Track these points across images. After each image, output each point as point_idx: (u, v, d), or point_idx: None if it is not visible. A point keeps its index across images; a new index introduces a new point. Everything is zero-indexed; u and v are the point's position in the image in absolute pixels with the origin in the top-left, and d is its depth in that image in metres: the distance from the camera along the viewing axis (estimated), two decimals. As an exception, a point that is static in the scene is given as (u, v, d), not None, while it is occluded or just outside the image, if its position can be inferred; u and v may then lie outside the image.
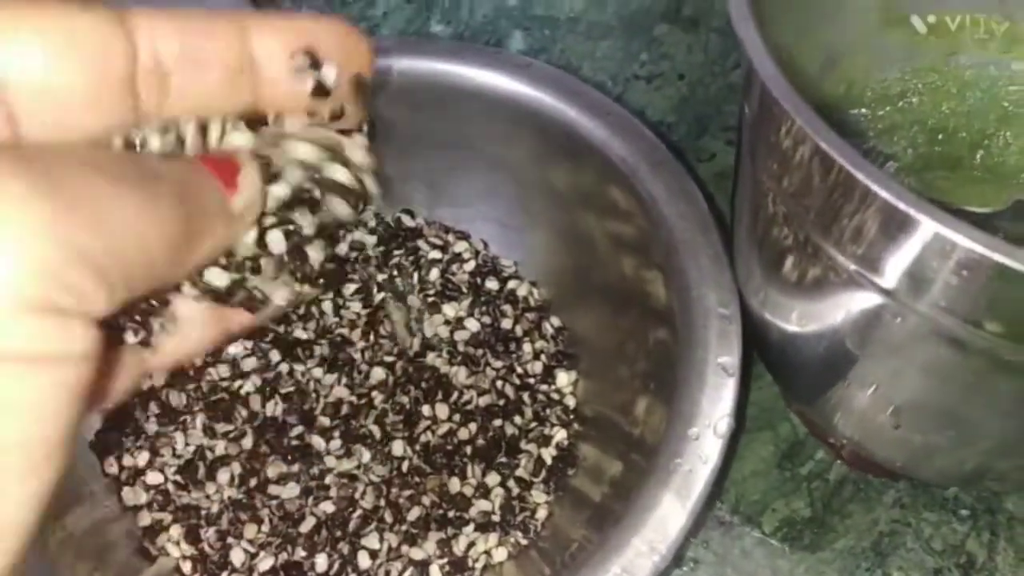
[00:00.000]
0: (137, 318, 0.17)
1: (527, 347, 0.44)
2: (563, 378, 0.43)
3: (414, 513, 0.40)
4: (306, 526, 0.39)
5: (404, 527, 0.40)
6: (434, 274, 0.45)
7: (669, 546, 0.32)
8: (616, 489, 0.37)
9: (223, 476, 0.40)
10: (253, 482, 0.40)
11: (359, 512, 0.40)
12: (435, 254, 0.46)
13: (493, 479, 0.41)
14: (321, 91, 0.18)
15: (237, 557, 0.39)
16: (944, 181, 0.37)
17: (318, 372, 0.43)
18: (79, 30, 0.15)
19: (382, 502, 0.40)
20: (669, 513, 0.32)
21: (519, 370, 0.43)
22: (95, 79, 0.15)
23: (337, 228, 0.19)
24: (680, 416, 0.34)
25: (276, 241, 0.18)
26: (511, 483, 0.41)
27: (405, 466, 0.41)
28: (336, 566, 0.39)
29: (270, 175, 0.17)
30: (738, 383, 0.34)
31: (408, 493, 0.40)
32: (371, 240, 0.46)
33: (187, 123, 0.17)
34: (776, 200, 0.31)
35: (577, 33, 0.56)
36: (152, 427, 0.42)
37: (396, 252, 0.46)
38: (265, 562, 0.39)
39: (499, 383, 0.43)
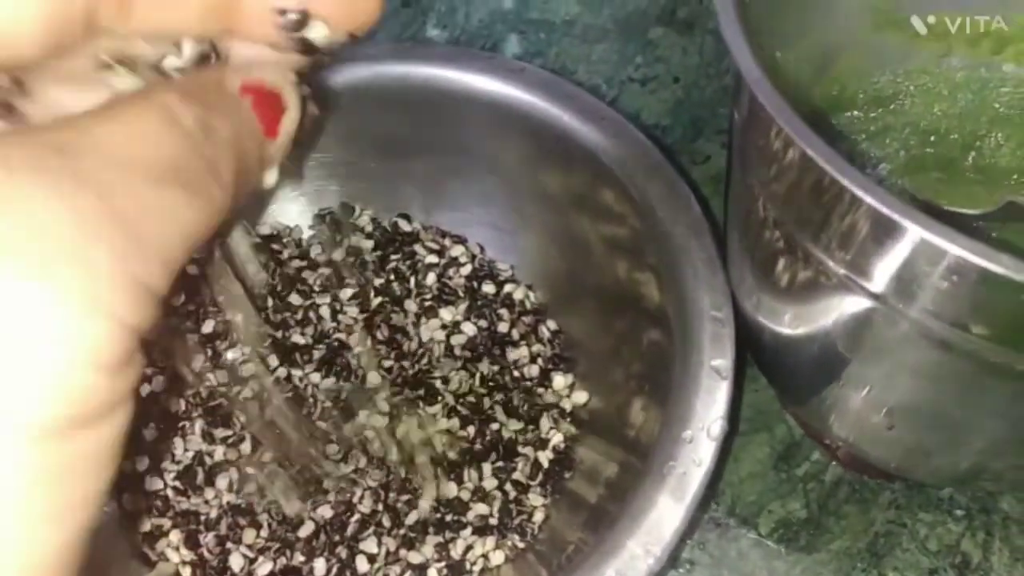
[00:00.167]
0: None
1: (523, 350, 0.44)
2: (560, 381, 0.43)
3: (412, 517, 0.40)
4: (305, 531, 0.40)
5: (402, 531, 0.40)
6: (430, 278, 0.46)
7: (664, 548, 0.32)
8: (612, 491, 0.38)
9: (222, 482, 0.41)
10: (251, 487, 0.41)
11: (357, 517, 0.40)
12: (432, 258, 0.46)
13: (490, 483, 0.41)
14: (305, 48, 0.17)
15: (236, 562, 0.39)
16: (936, 182, 0.37)
17: (315, 377, 0.43)
18: None
19: (380, 506, 0.40)
20: (664, 516, 0.33)
21: (515, 373, 0.44)
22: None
23: None
24: (674, 419, 0.34)
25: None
26: (508, 486, 0.41)
27: (402, 471, 0.41)
28: (335, 570, 0.39)
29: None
30: (731, 386, 0.35)
31: (406, 497, 0.40)
32: (368, 245, 0.47)
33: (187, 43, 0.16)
34: (766, 204, 0.31)
35: (572, 36, 0.56)
36: (151, 433, 0.42)
37: (393, 257, 0.46)
38: (264, 567, 0.39)
39: (495, 387, 0.43)
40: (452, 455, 0.41)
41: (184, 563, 0.39)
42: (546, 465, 0.41)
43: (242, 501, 0.40)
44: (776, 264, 0.32)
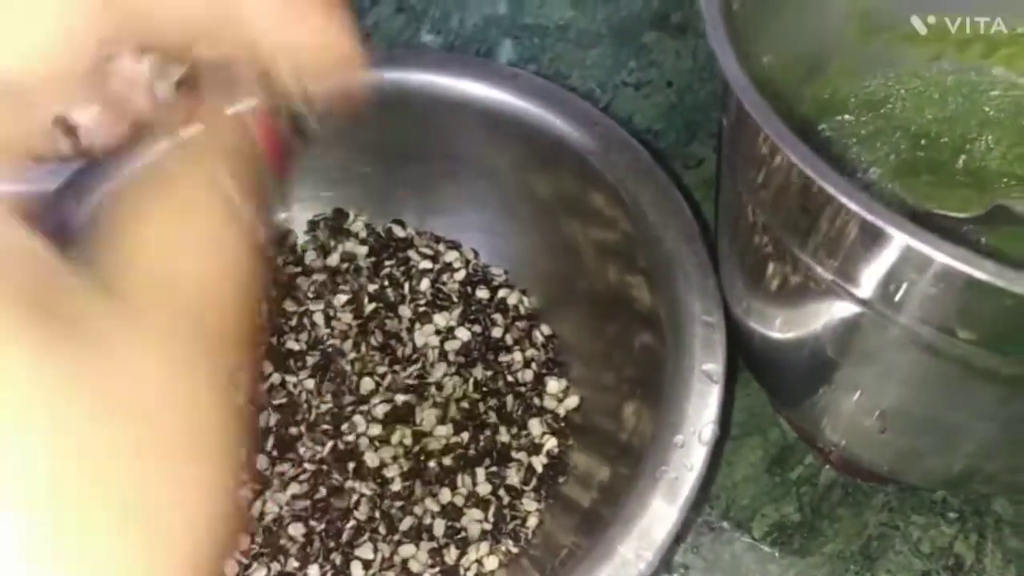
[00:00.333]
0: None
1: (517, 355, 0.44)
2: (553, 386, 0.43)
3: (406, 523, 0.40)
4: (298, 536, 0.40)
5: (396, 536, 0.40)
6: (424, 284, 0.46)
7: (656, 553, 0.32)
8: (605, 495, 0.38)
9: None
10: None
11: (352, 523, 0.40)
12: (426, 264, 0.47)
13: (484, 488, 0.41)
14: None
15: (230, 569, 0.39)
16: (927, 186, 0.37)
17: (310, 383, 0.43)
18: None
19: (376, 513, 0.40)
20: (656, 520, 0.33)
21: (509, 378, 0.44)
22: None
23: None
24: (666, 423, 0.35)
25: None
26: (502, 492, 0.41)
27: (397, 477, 0.41)
28: (329, 576, 0.39)
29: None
30: (723, 390, 0.35)
31: (400, 504, 0.41)
32: (362, 251, 0.47)
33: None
34: (755, 210, 0.31)
35: (567, 41, 0.56)
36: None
37: (387, 262, 0.47)
38: (258, 573, 0.39)
39: (489, 392, 0.43)
40: (446, 461, 0.41)
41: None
42: (540, 470, 0.41)
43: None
44: (765, 269, 0.33)
